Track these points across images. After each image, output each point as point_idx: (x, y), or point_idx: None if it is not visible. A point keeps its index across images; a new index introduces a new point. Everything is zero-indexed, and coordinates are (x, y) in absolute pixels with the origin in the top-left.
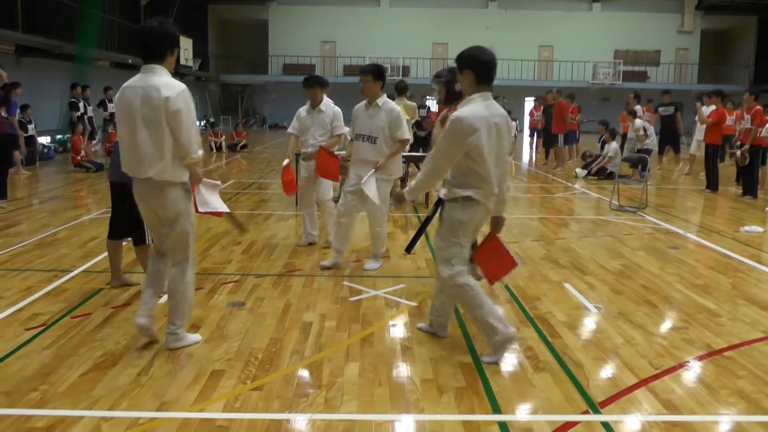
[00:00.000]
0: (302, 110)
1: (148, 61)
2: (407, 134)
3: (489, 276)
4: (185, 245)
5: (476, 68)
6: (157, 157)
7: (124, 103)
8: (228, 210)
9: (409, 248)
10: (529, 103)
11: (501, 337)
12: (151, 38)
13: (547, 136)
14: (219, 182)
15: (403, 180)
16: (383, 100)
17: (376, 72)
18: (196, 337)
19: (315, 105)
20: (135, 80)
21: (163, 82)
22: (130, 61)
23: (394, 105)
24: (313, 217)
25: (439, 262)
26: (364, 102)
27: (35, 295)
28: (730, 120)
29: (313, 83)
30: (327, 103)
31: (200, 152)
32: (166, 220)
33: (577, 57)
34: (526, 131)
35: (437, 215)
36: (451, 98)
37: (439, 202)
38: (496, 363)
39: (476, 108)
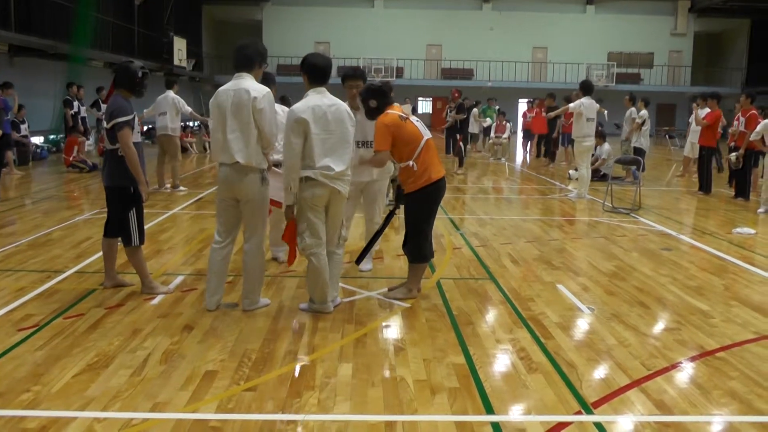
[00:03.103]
0: None
1: (240, 70)
2: None
3: (289, 258)
4: (259, 223)
5: (308, 71)
6: (242, 145)
7: (218, 103)
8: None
9: (359, 260)
10: (523, 105)
11: (318, 306)
12: (246, 53)
13: (549, 138)
14: None
15: (393, 180)
16: None
17: (366, 78)
18: (266, 300)
19: None
20: (228, 85)
21: (251, 85)
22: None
23: None
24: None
25: (297, 235)
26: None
27: (28, 295)
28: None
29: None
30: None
31: (276, 144)
32: (243, 199)
33: (570, 59)
34: (519, 133)
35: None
36: (369, 114)
37: (390, 214)
38: (304, 311)
39: (308, 100)
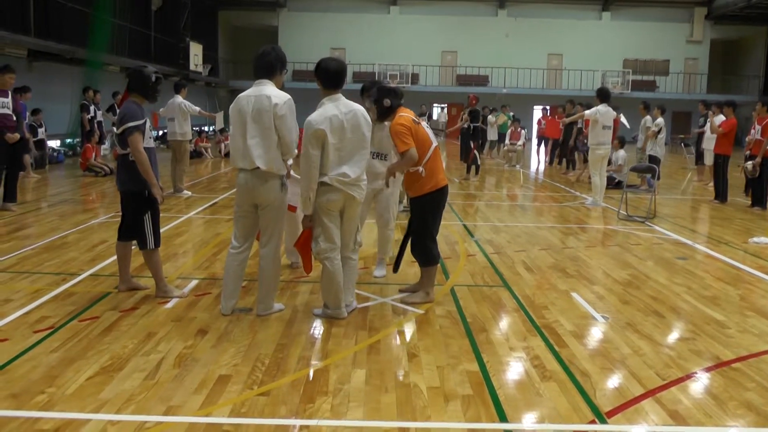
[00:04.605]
0: None
1: (260, 77)
2: None
3: (305, 267)
4: (276, 229)
5: (320, 76)
6: (262, 151)
7: (239, 108)
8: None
9: (395, 268)
10: (538, 111)
11: (332, 312)
12: (268, 60)
13: (564, 145)
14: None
15: None
16: None
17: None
18: (280, 305)
19: None
20: (249, 91)
21: (272, 92)
22: None
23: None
24: None
25: (312, 239)
26: None
27: (43, 298)
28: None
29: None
30: None
31: (296, 151)
32: (262, 205)
33: (586, 66)
34: (534, 140)
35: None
36: (382, 115)
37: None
38: (318, 316)
39: (324, 110)
